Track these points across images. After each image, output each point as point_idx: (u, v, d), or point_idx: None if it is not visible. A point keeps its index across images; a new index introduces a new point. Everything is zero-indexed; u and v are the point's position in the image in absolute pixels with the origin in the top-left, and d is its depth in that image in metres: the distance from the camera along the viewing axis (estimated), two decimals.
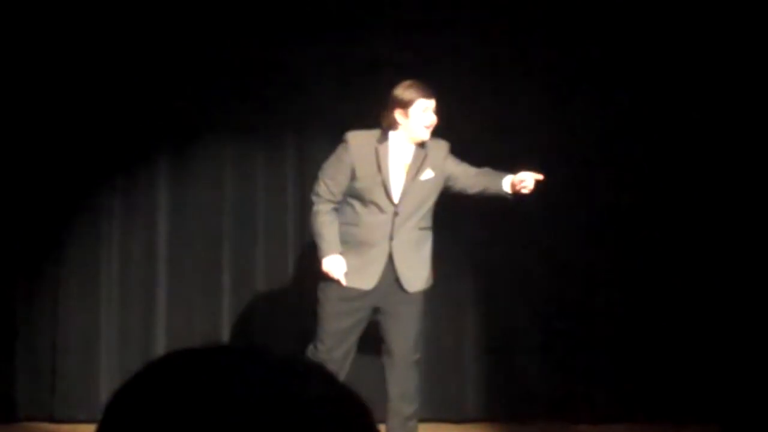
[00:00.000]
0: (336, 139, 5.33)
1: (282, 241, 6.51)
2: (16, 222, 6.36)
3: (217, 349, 0.94)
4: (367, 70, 6.28)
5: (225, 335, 6.46)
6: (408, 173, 5.21)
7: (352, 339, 5.22)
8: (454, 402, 6.45)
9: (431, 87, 5.22)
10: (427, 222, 5.30)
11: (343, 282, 5.15)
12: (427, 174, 5.24)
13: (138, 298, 6.48)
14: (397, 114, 5.18)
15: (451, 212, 6.21)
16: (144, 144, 6.48)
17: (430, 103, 5.20)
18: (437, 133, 5.29)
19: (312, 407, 0.90)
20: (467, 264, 6.54)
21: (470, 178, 5.29)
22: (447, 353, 6.48)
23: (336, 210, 5.23)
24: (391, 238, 5.18)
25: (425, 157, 5.24)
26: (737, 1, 6.40)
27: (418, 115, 5.18)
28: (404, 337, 5.20)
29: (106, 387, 6.34)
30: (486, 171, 5.31)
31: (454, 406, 6.45)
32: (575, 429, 6.27)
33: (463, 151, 5.36)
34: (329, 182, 5.22)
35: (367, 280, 5.17)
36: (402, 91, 5.20)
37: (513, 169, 5.21)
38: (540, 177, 5.14)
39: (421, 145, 5.24)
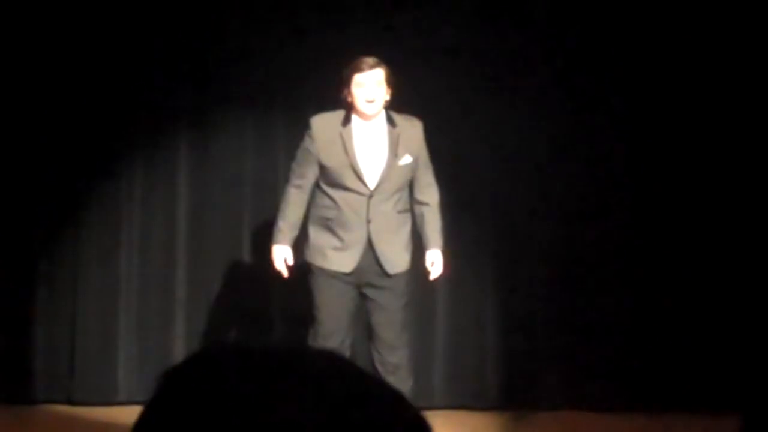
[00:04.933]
0: None
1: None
2: (35, 204, 6.37)
3: (259, 348, 0.93)
4: (388, 47, 6.26)
5: (245, 318, 6.45)
6: (388, 157, 5.11)
7: (347, 322, 5.17)
8: (475, 390, 6.44)
9: (371, 59, 5.08)
10: (405, 205, 5.23)
11: (284, 274, 5.17)
12: (406, 159, 5.14)
13: (157, 282, 6.47)
14: (346, 94, 5.10)
15: (470, 199, 6.20)
16: (163, 127, 6.47)
17: (366, 77, 5.05)
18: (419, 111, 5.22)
19: (356, 407, 0.88)
20: (487, 253, 6.52)
21: (419, 209, 5.24)
22: (468, 341, 6.48)
23: (304, 192, 5.15)
24: (368, 221, 5.11)
25: (398, 138, 5.13)
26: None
27: (356, 92, 5.06)
28: (388, 321, 5.18)
29: (124, 370, 6.36)
30: (430, 216, 5.23)
31: (475, 394, 6.44)
32: (592, 418, 6.26)
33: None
34: (296, 168, 5.19)
35: (347, 263, 5.12)
36: (343, 71, 5.12)
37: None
38: (439, 272, 5.24)
39: (392, 124, 5.14)
